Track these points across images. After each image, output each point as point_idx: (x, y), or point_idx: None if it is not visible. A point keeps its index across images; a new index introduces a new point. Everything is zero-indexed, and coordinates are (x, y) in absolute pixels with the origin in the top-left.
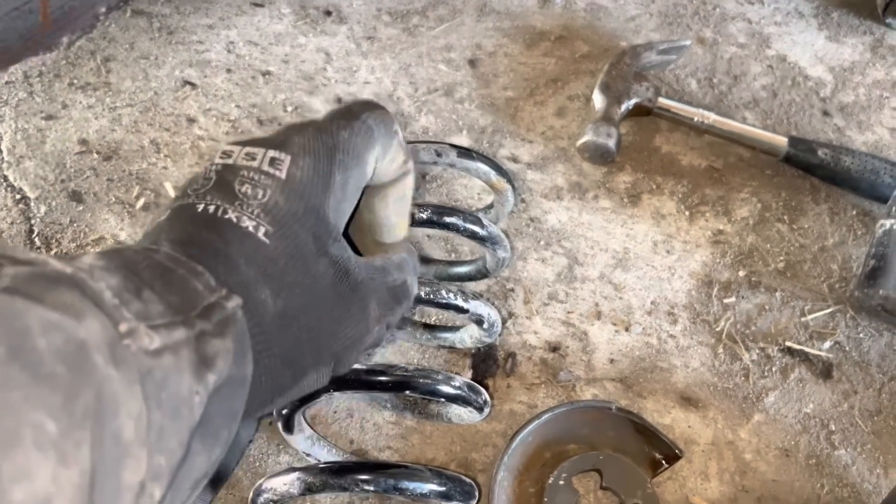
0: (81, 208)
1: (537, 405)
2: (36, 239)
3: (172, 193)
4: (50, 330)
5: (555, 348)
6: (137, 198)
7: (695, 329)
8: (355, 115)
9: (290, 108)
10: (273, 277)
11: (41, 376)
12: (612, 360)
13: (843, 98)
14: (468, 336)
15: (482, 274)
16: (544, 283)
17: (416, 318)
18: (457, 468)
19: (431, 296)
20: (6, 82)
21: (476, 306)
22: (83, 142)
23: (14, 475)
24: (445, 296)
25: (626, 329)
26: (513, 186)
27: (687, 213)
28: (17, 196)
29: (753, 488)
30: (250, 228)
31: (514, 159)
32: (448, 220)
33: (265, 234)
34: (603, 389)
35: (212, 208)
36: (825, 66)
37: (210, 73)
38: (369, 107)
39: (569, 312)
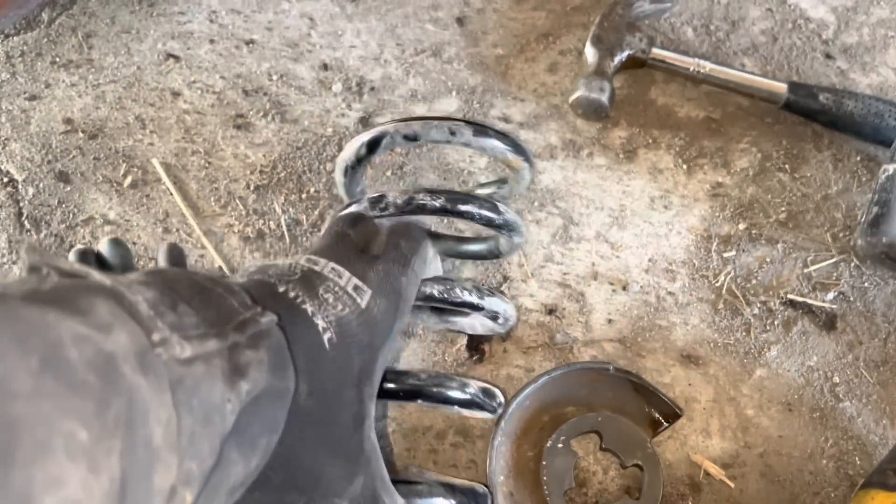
0: (69, 189)
1: (534, 368)
2: (25, 221)
3: (160, 170)
4: (81, 342)
5: (551, 310)
6: (125, 175)
7: (694, 285)
8: (407, 259)
9: (275, 77)
10: (314, 378)
11: (73, 386)
12: (609, 321)
13: (846, 39)
14: (479, 323)
15: (494, 254)
16: (539, 245)
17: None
18: (455, 435)
19: (445, 294)
20: None
21: (492, 303)
22: (68, 121)
23: (46, 484)
24: (460, 294)
25: (624, 288)
26: (531, 163)
27: (685, 166)
28: (5, 179)
29: (756, 444)
30: (319, 327)
31: (506, 119)
32: (463, 208)
33: (328, 341)
34: (601, 350)
35: (292, 294)
36: (827, 7)
37: (193, 45)
38: (414, 248)
39: (565, 274)
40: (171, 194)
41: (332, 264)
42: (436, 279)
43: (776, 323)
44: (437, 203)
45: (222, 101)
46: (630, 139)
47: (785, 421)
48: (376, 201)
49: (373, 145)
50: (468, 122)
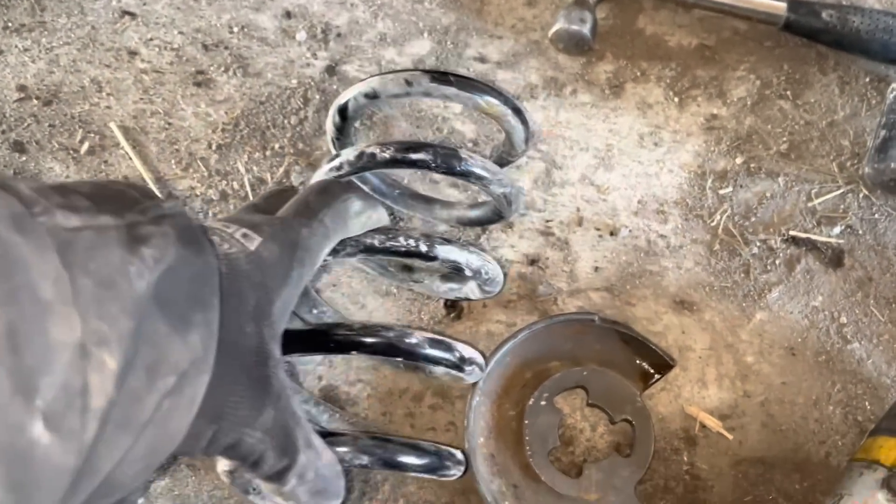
0: (25, 158)
1: (516, 323)
2: None
3: (118, 134)
4: None
5: (533, 261)
6: (82, 142)
7: (687, 226)
8: (314, 212)
9: (235, 29)
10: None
11: None
12: (596, 269)
13: None
14: (478, 287)
15: (498, 215)
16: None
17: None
18: (433, 397)
19: (387, 243)
20: None
21: (447, 252)
22: (21, 88)
23: None
24: (404, 242)
25: (612, 233)
26: (514, 108)
27: (676, 99)
28: None
29: (756, 392)
30: (221, 253)
31: (482, 59)
32: (415, 156)
33: (218, 270)
34: (588, 301)
35: (195, 223)
36: None
37: (150, 0)
38: (327, 201)
39: (547, 221)
40: (131, 159)
41: (222, 222)
42: (379, 229)
43: (777, 262)
44: (388, 154)
45: (181, 58)
46: (616, 73)
47: (788, 366)
48: (333, 164)
49: (342, 113)
50: (425, 71)
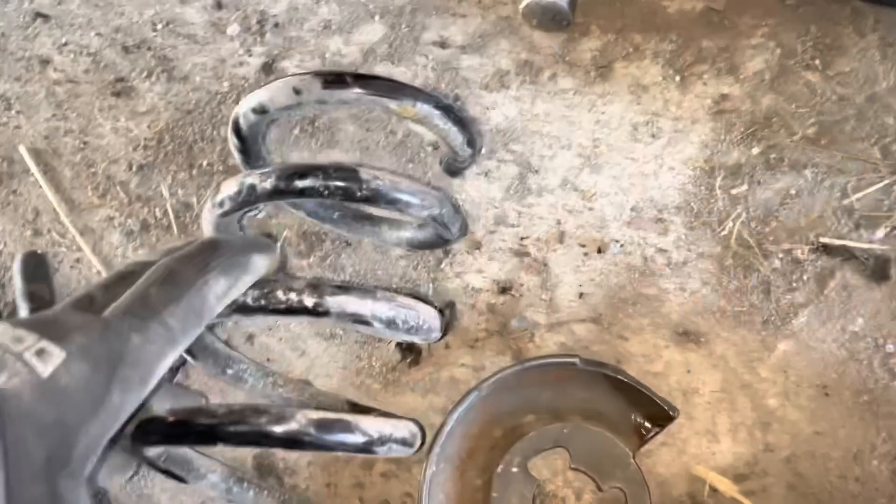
0: None
1: (484, 367)
2: None
3: (28, 159)
4: None
5: (505, 288)
6: None
7: (693, 237)
8: (153, 310)
9: (160, 26)
10: None
11: None
12: (581, 295)
13: None
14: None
15: (440, 239)
16: (489, 204)
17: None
18: (386, 463)
19: (262, 300)
20: None
21: (342, 304)
22: None
23: None
24: (284, 298)
25: (599, 250)
26: (439, 107)
27: (677, 78)
28: None
29: (781, 445)
30: None
31: (443, 43)
32: (303, 183)
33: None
34: (571, 336)
35: None
36: None
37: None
38: (172, 294)
39: (522, 239)
40: (41, 187)
41: (18, 330)
42: (258, 283)
43: (805, 278)
44: (268, 184)
45: (99, 64)
46: (604, 51)
47: (820, 411)
48: (216, 200)
49: (237, 132)
50: (317, 74)
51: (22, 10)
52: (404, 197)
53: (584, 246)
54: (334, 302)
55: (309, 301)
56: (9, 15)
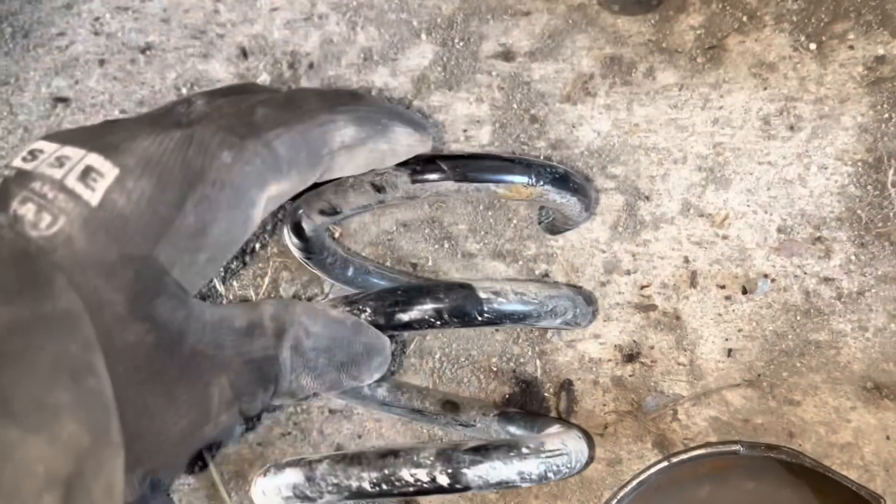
0: None
1: (621, 459)
2: None
3: None
4: None
5: (631, 355)
6: None
7: (867, 256)
8: (255, 129)
9: (184, 90)
10: None
11: None
12: (729, 352)
13: None
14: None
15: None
16: (594, 249)
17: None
18: None
19: (384, 484)
20: None
21: (486, 473)
22: None
23: None
24: (409, 478)
25: (745, 290)
26: (554, 179)
27: (812, 46)
28: None
29: None
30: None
31: (507, 53)
32: (408, 317)
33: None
34: (724, 407)
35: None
36: None
37: (81, 75)
38: (285, 117)
39: (643, 287)
40: None
41: (66, 148)
42: (375, 462)
43: None
44: (365, 318)
45: None
46: (710, 26)
47: None
48: None
49: (299, 233)
50: (403, 166)
51: (40, 98)
52: (533, 310)
53: (723, 287)
54: (474, 475)
55: (442, 479)
56: (28, 106)
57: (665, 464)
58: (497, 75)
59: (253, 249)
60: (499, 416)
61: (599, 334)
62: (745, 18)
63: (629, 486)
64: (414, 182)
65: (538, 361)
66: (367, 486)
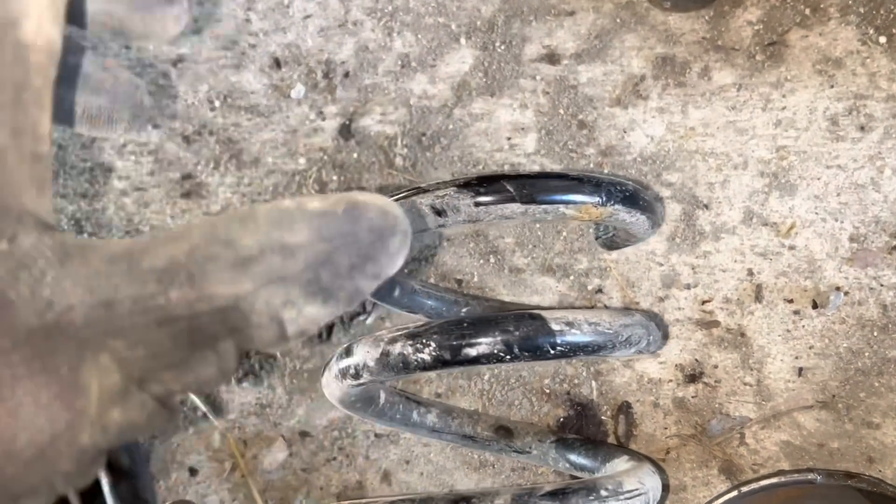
0: None
1: (685, 486)
2: None
3: None
4: None
5: (694, 376)
6: None
7: None
8: None
9: (217, 102)
10: None
11: None
12: (800, 371)
13: None
14: None
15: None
16: (651, 262)
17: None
18: None
19: None
20: None
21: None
22: None
23: None
24: None
25: (815, 304)
26: (624, 198)
27: (882, 39)
28: None
29: None
30: None
31: (552, 55)
32: (475, 352)
33: None
34: (796, 430)
35: None
36: None
37: None
38: None
39: (704, 302)
40: None
41: None
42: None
43: None
44: (426, 356)
45: (162, 162)
46: (769, 21)
47: None
48: (344, 366)
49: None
50: (463, 186)
51: None
52: (607, 341)
53: (791, 301)
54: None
55: None
56: (59, 127)
57: (735, 493)
58: (542, 79)
59: None
60: (556, 442)
61: (659, 353)
62: (807, 11)
63: None
64: (477, 205)
65: (594, 382)
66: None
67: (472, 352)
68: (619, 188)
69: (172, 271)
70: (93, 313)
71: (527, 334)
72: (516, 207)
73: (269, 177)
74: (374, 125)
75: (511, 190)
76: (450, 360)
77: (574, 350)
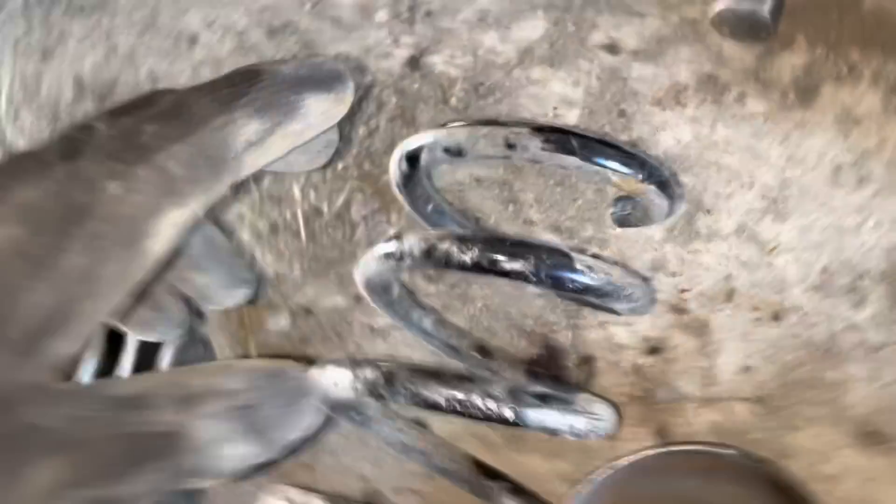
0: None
1: (621, 438)
2: None
3: None
4: None
5: (656, 348)
6: None
7: None
8: (142, 152)
9: (307, 6)
10: None
11: None
12: (746, 368)
13: None
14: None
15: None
16: (647, 245)
17: None
18: None
19: (455, 403)
20: (7, 14)
21: (543, 419)
22: (78, 82)
23: None
24: (482, 406)
25: (776, 317)
26: (659, 183)
27: None
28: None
29: None
30: None
31: (613, 46)
32: (510, 266)
33: None
34: (729, 415)
35: None
36: None
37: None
38: (175, 135)
39: (682, 291)
40: None
41: None
42: (442, 376)
43: None
44: (468, 257)
45: (243, 45)
46: (810, 69)
47: None
48: (390, 249)
49: (412, 160)
50: (536, 129)
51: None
52: (614, 291)
53: (757, 309)
54: (535, 416)
55: (508, 414)
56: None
57: (662, 450)
58: (598, 64)
59: (335, 167)
60: (526, 371)
61: (631, 322)
62: (844, 69)
63: (624, 463)
64: (543, 150)
65: (570, 333)
66: (441, 401)
67: (507, 267)
68: (658, 171)
69: (131, 399)
70: (51, 423)
71: (555, 266)
72: (575, 161)
73: None
74: (440, 65)
75: (574, 145)
76: (486, 267)
77: (586, 291)
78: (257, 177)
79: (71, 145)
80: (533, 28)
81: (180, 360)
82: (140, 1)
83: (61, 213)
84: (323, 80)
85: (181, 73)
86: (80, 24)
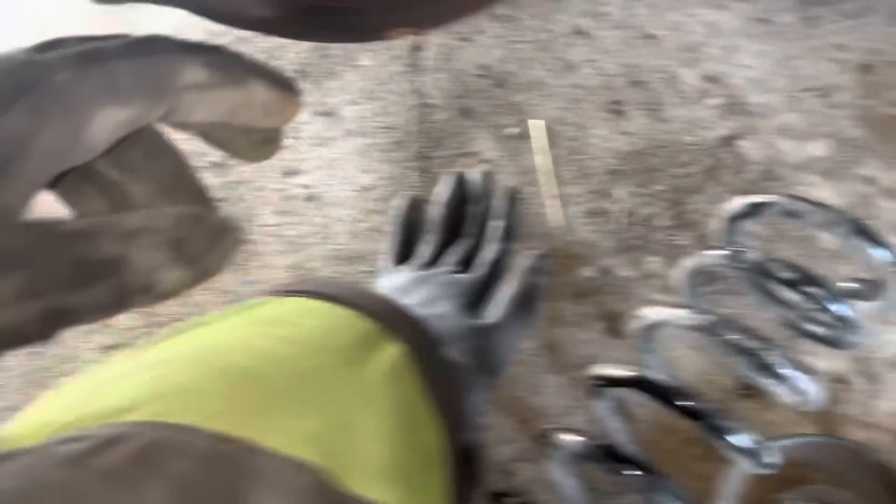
0: (467, 123)
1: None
2: (424, 140)
3: (543, 132)
4: None
5: (838, 380)
6: (511, 126)
7: None
8: (100, 58)
9: (659, 76)
10: None
11: None
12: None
13: None
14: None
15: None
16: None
17: None
18: (701, 447)
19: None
20: None
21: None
22: (483, 66)
23: None
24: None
25: None
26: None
27: None
28: (424, 101)
29: None
30: None
31: (870, 181)
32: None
33: None
34: (875, 437)
35: None
36: None
37: (601, 27)
38: (134, 51)
39: (870, 352)
40: (532, 153)
41: None
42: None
43: None
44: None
45: (608, 86)
46: None
47: None
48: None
49: (754, 208)
50: (852, 221)
51: (569, 23)
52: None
53: None
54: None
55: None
56: (560, 21)
57: (822, 438)
58: (856, 188)
59: (653, 188)
60: None
61: (831, 356)
62: None
63: (798, 440)
64: (857, 234)
65: None
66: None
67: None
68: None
69: (78, 232)
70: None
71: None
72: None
73: (667, 135)
74: (747, 147)
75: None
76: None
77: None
78: (593, 174)
79: (45, 44)
80: (818, 147)
81: None
82: (541, 26)
83: (12, 84)
84: (274, 78)
85: (558, 87)
86: (494, 26)
